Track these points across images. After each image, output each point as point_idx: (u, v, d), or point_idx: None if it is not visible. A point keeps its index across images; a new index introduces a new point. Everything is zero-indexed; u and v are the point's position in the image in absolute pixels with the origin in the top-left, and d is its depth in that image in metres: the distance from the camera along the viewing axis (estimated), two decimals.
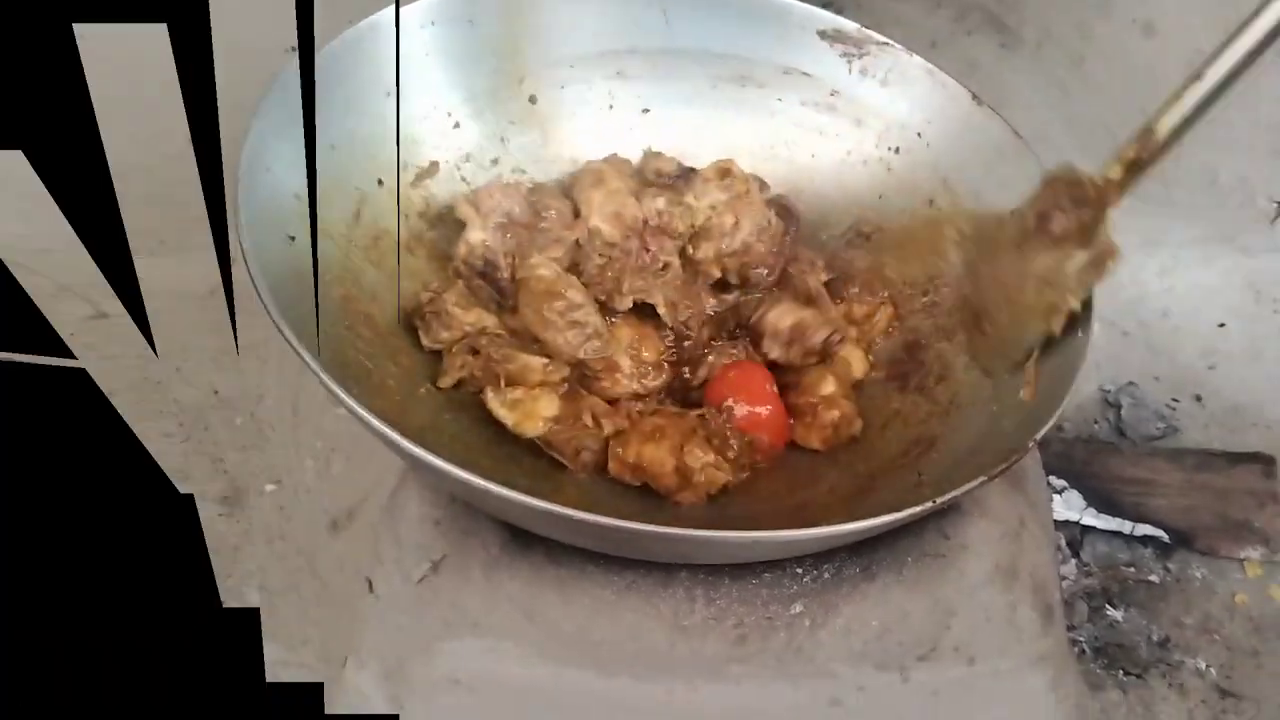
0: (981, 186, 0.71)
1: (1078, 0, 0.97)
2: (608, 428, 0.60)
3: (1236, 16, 0.96)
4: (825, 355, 0.65)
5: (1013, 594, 0.61)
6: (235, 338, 0.58)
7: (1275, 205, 1.09)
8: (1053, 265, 0.60)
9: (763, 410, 0.62)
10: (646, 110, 0.75)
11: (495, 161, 0.71)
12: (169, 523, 0.57)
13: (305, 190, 0.57)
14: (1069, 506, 0.93)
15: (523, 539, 0.59)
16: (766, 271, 0.68)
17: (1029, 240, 0.62)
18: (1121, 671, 0.87)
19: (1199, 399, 1.04)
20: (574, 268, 0.65)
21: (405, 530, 0.61)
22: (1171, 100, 0.57)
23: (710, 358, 0.66)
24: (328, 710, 0.59)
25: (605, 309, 0.65)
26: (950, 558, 0.60)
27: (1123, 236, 1.11)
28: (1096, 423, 1.04)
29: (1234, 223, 1.10)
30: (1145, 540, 0.94)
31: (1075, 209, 0.60)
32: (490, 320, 0.63)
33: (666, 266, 0.66)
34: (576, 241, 0.65)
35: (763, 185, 0.71)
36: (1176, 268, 1.12)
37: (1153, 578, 0.92)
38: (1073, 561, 0.93)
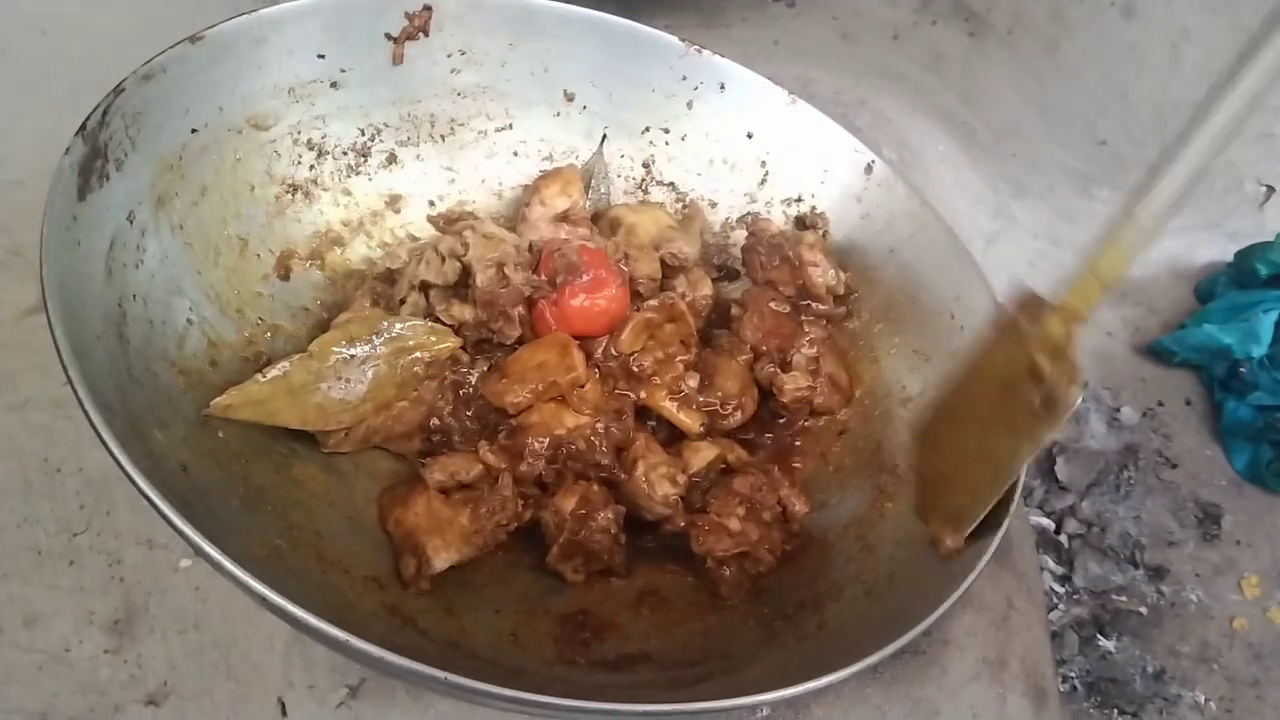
0: None
1: None
2: None
3: None
4: None
5: (1002, 685, 0.55)
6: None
7: (1264, 189, 1.02)
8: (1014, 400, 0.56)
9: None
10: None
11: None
12: None
13: None
14: None
15: None
16: None
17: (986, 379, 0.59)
18: (1116, 710, 0.81)
19: (1188, 402, 0.99)
20: None
21: (317, 650, 0.54)
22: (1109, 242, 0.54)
23: None
24: None
25: None
26: (931, 654, 0.54)
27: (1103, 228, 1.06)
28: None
29: (1220, 209, 1.04)
30: (1137, 562, 0.88)
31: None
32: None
33: None
34: None
35: None
36: (1161, 259, 1.06)
37: (1146, 604, 0.87)
38: (1063, 589, 0.87)
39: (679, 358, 0.63)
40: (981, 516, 0.54)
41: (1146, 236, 0.53)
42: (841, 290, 0.69)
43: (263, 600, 0.39)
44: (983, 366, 0.59)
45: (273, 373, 0.56)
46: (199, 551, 0.40)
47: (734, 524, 0.58)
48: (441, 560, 0.54)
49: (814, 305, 0.69)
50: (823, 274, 0.68)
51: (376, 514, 0.57)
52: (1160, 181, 0.52)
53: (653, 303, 0.64)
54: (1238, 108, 0.50)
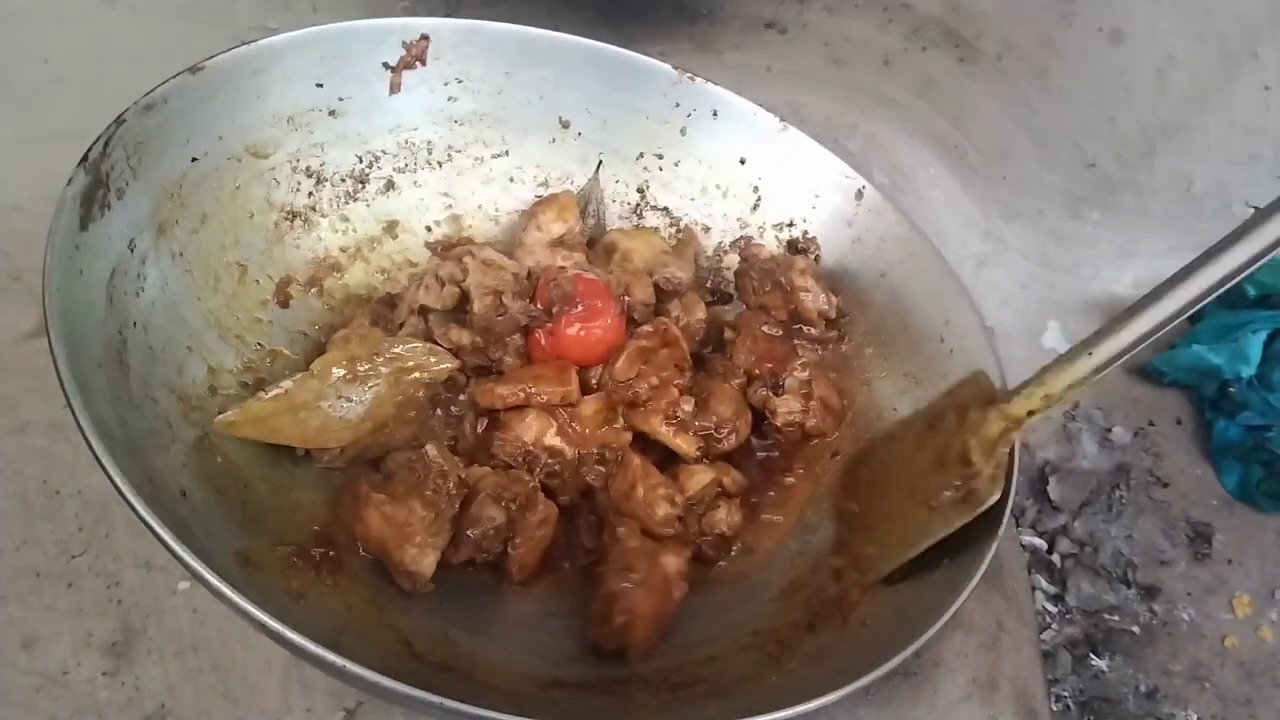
0: None
1: (1040, 9, 0.91)
2: None
3: (1207, 20, 0.91)
4: None
5: (993, 706, 0.55)
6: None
7: (1252, 211, 1.03)
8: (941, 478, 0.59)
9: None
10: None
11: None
12: None
13: None
14: None
15: None
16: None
17: (923, 446, 0.62)
18: None
19: (1179, 422, 0.99)
20: None
21: (313, 673, 0.55)
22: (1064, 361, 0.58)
23: None
24: None
25: None
26: (923, 675, 0.54)
27: (1095, 248, 1.06)
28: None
29: (1210, 230, 1.04)
30: (1130, 582, 0.89)
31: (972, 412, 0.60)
32: None
33: None
34: None
35: None
36: (1152, 279, 1.06)
37: (1138, 623, 0.87)
38: (1055, 609, 0.87)
39: (674, 382, 0.63)
40: (885, 574, 0.56)
41: (1097, 373, 0.57)
42: (833, 314, 0.70)
43: (261, 626, 0.40)
44: (925, 433, 0.62)
45: (275, 391, 0.57)
46: (197, 577, 0.40)
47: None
48: (426, 564, 0.53)
49: (805, 329, 0.70)
50: (814, 299, 0.69)
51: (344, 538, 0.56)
52: (1123, 330, 0.56)
53: (647, 328, 0.64)
54: (1209, 284, 0.56)
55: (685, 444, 0.62)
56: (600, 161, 0.75)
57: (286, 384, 0.57)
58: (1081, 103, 0.96)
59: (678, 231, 0.77)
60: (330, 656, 0.39)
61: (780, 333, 0.70)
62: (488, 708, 0.40)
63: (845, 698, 0.46)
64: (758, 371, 0.68)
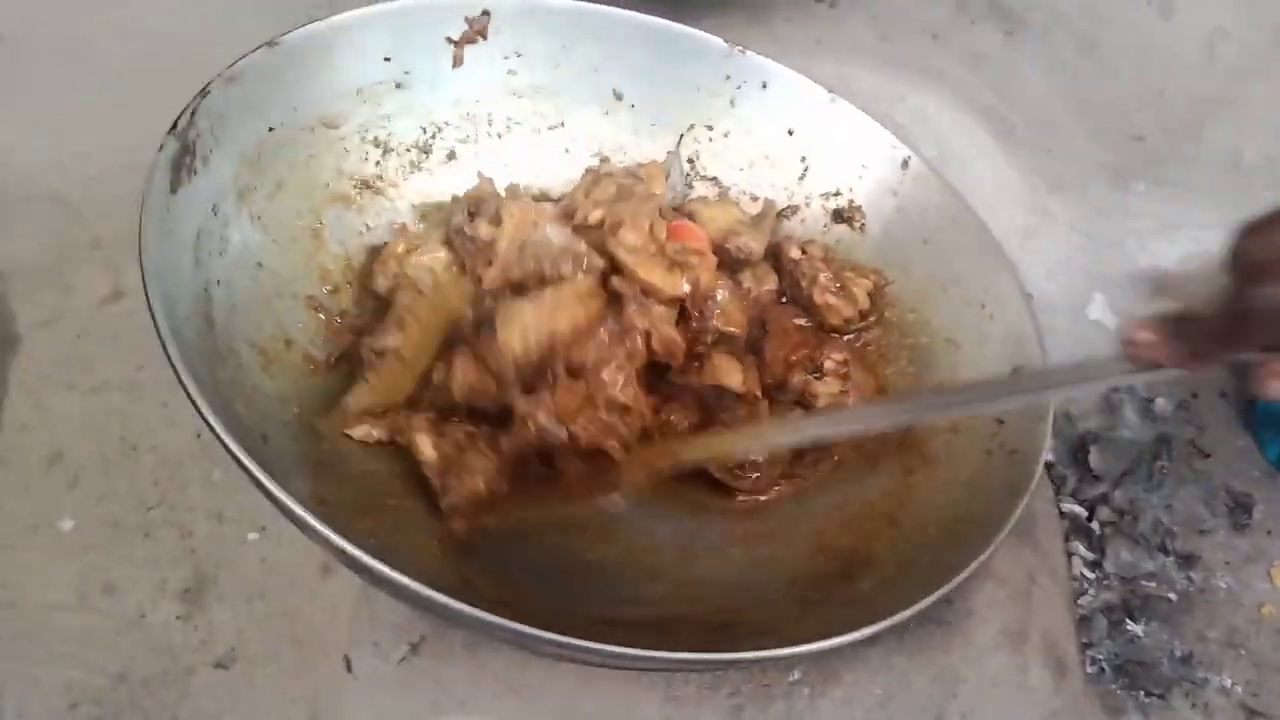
0: None
1: None
2: None
3: None
4: None
5: (1023, 656, 0.58)
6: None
7: None
8: None
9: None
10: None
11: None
12: None
13: None
14: None
15: None
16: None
17: None
18: (1143, 692, 0.83)
19: (1223, 395, 1.00)
20: None
21: (380, 611, 0.58)
22: None
23: None
24: None
25: None
26: (955, 624, 0.57)
27: (1141, 221, 1.07)
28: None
29: (1259, 204, 1.04)
30: (1168, 550, 0.90)
31: None
32: None
33: None
34: None
35: None
36: (1198, 253, 1.06)
37: (1175, 590, 0.88)
38: (1093, 575, 0.89)
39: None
40: None
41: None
42: (866, 305, 0.72)
43: (340, 553, 0.43)
44: None
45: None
46: (284, 510, 0.44)
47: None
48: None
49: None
50: (838, 312, 0.71)
51: None
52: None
53: None
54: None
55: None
56: (681, 136, 0.78)
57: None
58: (1129, 75, 0.96)
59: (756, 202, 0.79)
60: (408, 582, 0.43)
61: (811, 323, 0.72)
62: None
63: (881, 644, 0.49)
64: (794, 359, 0.70)
